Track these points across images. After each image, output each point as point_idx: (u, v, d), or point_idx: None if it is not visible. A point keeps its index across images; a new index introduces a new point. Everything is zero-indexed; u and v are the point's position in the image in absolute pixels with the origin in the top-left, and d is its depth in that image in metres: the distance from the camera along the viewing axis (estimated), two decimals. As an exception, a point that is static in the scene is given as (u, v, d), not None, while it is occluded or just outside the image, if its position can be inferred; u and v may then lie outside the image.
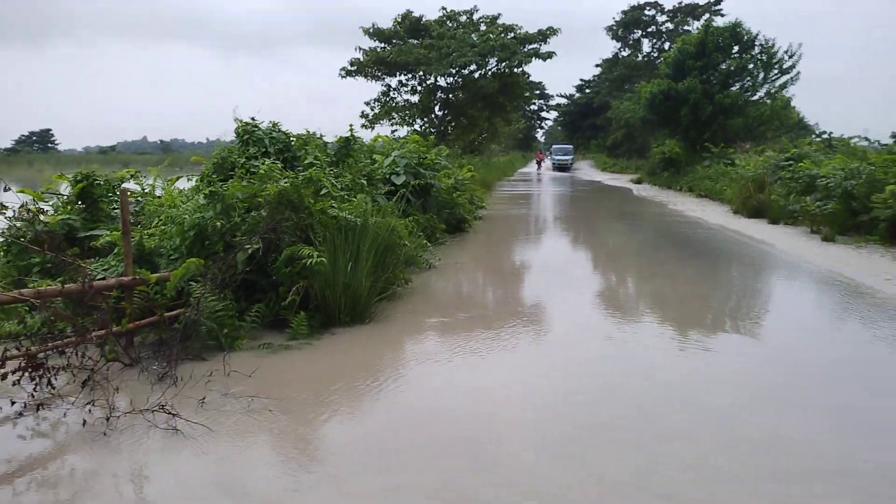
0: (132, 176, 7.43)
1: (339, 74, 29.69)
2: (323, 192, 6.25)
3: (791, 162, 16.54)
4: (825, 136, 24.25)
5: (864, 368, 4.72)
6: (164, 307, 4.80)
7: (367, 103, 30.75)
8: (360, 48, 29.11)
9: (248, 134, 7.38)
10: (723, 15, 45.90)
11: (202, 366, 4.52)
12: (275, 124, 7.76)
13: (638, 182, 30.18)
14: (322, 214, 5.77)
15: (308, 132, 8.22)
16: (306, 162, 7.04)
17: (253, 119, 7.64)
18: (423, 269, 8.02)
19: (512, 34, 28.68)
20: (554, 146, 57.39)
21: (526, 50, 28.42)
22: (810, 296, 7.42)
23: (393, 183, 10.06)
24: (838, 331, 5.87)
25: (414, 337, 5.54)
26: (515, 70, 28.92)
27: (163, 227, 5.79)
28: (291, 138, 7.84)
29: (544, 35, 28.50)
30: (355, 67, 29.36)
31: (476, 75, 28.67)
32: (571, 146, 57.01)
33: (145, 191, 7.23)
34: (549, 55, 28.32)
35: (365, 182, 7.83)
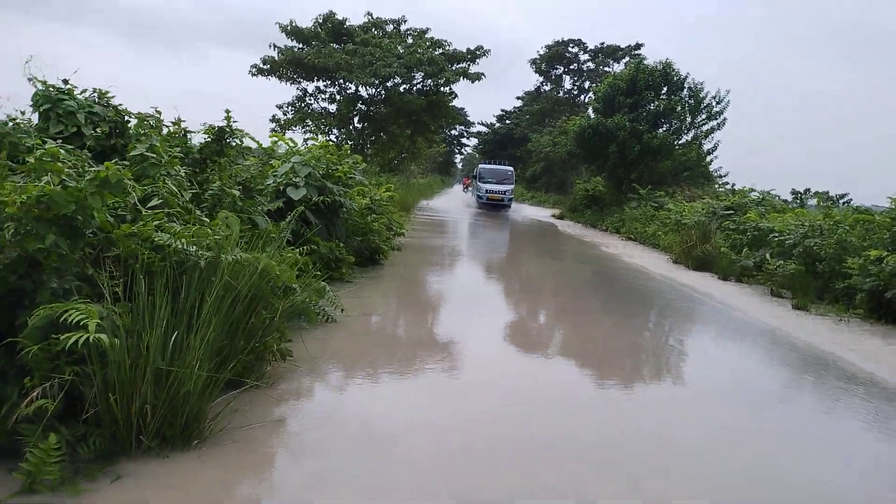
0: None
1: (250, 72, 26.69)
2: (153, 202, 3.76)
3: (731, 211, 15.52)
4: (728, 186, 24.15)
5: None
6: None
7: (280, 107, 27.95)
8: (274, 45, 26.25)
9: (50, 104, 4.68)
10: (643, 59, 46.58)
11: None
12: (102, 93, 5.08)
13: (560, 217, 29.01)
14: (134, 243, 3.29)
15: (157, 112, 5.58)
16: (133, 154, 4.40)
17: (66, 82, 4.93)
18: (319, 323, 5.60)
19: (440, 50, 26.92)
20: (481, 166, 34.22)
21: (454, 68, 26.73)
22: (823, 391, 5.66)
23: (289, 197, 7.60)
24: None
25: (279, 475, 3.11)
26: (443, 88, 27.10)
27: None
28: (130, 118, 5.20)
29: (474, 55, 26.98)
30: (268, 66, 26.43)
31: (401, 89, 26.53)
32: (511, 169, 34.34)
33: None
34: (478, 76, 26.72)
35: (238, 193, 5.32)
